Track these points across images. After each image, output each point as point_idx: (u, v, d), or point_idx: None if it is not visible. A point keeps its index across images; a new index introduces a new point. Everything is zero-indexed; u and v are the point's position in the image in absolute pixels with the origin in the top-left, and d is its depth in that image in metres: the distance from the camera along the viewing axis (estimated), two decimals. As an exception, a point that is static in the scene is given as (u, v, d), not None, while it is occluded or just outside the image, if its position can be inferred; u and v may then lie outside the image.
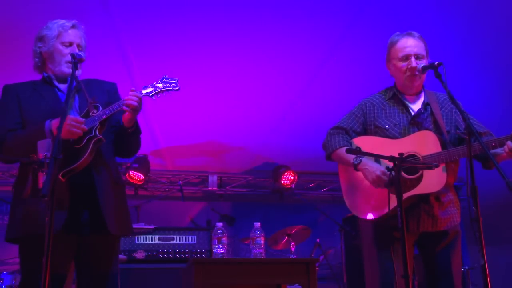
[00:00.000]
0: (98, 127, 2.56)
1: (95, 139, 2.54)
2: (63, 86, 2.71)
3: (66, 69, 2.67)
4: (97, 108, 2.60)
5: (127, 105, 2.56)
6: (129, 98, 2.57)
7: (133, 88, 2.62)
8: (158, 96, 2.69)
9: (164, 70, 4.93)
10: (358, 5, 4.45)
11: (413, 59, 2.85)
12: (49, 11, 4.09)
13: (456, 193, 2.90)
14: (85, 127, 2.52)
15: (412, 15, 4.50)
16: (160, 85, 2.69)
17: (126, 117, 2.63)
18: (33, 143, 2.42)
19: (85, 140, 2.53)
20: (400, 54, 2.89)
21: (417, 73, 2.83)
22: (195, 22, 4.55)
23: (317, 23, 4.64)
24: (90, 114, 2.59)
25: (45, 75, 2.74)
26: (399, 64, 2.89)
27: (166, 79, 2.70)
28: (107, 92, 2.82)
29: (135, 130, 2.72)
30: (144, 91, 2.68)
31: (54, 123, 2.49)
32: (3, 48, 4.62)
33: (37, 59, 2.77)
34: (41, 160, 2.21)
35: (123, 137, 2.74)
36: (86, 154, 2.51)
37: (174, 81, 2.70)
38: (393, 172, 2.45)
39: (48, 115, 2.54)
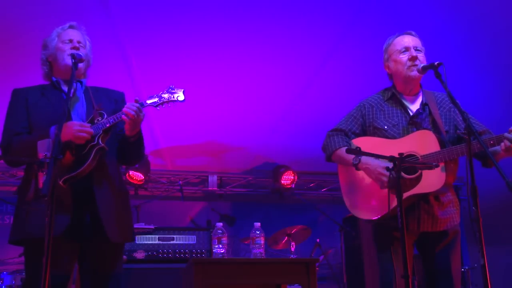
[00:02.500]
0: (101, 135, 2.56)
1: (97, 147, 2.54)
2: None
3: (69, 61, 2.65)
4: (102, 115, 2.61)
5: (126, 114, 2.55)
6: (128, 107, 2.55)
7: (137, 98, 2.62)
8: (163, 106, 2.66)
9: (164, 70, 5.00)
10: (357, 5, 4.45)
11: (413, 49, 2.87)
12: (49, 11, 4.10)
13: (455, 193, 2.90)
14: (91, 131, 2.53)
15: (412, 15, 4.50)
16: (165, 95, 2.66)
17: (126, 126, 2.62)
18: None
19: (88, 147, 2.53)
20: (399, 47, 2.90)
21: (417, 62, 2.82)
22: (195, 22, 4.54)
23: (316, 23, 4.64)
24: (95, 121, 2.60)
25: (54, 79, 2.76)
26: (399, 56, 2.88)
27: (172, 89, 2.68)
28: (115, 101, 2.83)
29: (137, 140, 2.71)
30: (149, 101, 2.66)
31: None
32: (3, 48, 4.62)
33: (44, 67, 2.80)
34: (41, 160, 2.21)
35: (125, 146, 2.74)
36: (88, 162, 2.51)
37: (180, 92, 2.67)
38: (393, 172, 2.45)
39: (54, 120, 2.53)
